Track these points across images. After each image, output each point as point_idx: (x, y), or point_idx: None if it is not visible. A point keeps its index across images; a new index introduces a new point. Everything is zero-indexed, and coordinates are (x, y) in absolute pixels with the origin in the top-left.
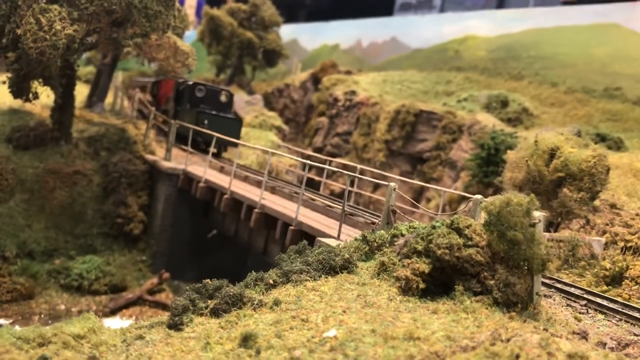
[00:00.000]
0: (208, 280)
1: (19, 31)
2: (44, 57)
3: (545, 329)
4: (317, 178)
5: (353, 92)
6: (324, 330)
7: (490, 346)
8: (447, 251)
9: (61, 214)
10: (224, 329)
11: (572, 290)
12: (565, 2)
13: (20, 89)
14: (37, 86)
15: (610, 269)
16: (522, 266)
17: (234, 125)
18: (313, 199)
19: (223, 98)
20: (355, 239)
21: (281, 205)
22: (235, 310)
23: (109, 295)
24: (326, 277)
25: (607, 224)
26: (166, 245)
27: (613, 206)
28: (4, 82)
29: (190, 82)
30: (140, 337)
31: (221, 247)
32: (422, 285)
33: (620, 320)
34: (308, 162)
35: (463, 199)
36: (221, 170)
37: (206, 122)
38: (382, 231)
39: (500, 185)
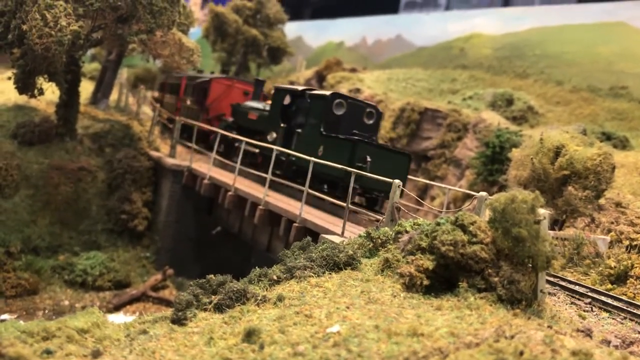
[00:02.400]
0: (212, 275)
1: (24, 27)
2: (50, 53)
3: (550, 326)
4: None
5: (358, 90)
6: (328, 325)
7: (494, 343)
8: (451, 248)
9: (66, 210)
10: (227, 324)
11: (576, 288)
12: None
13: (25, 85)
14: (42, 82)
15: (615, 267)
16: (526, 263)
17: (402, 164)
18: (317, 196)
19: (369, 117)
20: (360, 236)
21: (285, 202)
22: (238, 305)
23: (112, 291)
24: (330, 274)
25: (612, 223)
26: (170, 241)
27: (618, 205)
28: (9, 78)
29: (319, 91)
30: (144, 332)
31: (225, 244)
32: (426, 282)
33: (625, 318)
34: (312, 159)
35: (467, 197)
36: (225, 167)
37: (369, 159)
38: (386, 228)
39: (505, 183)
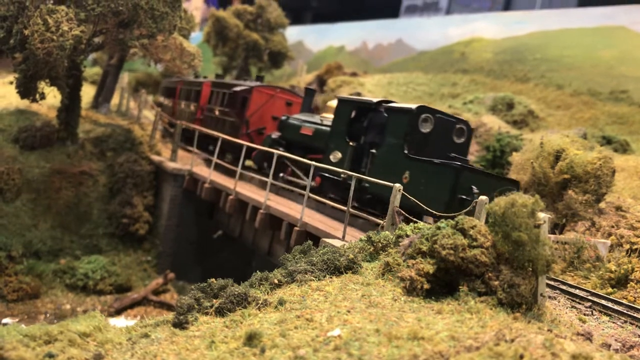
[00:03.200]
0: (213, 279)
1: (26, 32)
2: (51, 58)
3: (550, 330)
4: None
5: (359, 95)
6: (329, 329)
7: (494, 346)
8: (451, 252)
9: (67, 214)
10: (228, 327)
11: (576, 292)
12: None
13: (27, 89)
14: (43, 87)
15: (615, 271)
16: (526, 267)
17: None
18: (318, 200)
19: (459, 135)
20: (360, 240)
21: (286, 206)
22: (240, 309)
23: (114, 295)
24: (331, 277)
25: (612, 227)
26: (171, 245)
27: (618, 208)
28: (11, 83)
29: (400, 104)
30: (146, 336)
31: (226, 248)
32: (426, 286)
33: (625, 322)
34: (313, 163)
35: None
36: (226, 172)
37: (475, 191)
38: (386, 232)
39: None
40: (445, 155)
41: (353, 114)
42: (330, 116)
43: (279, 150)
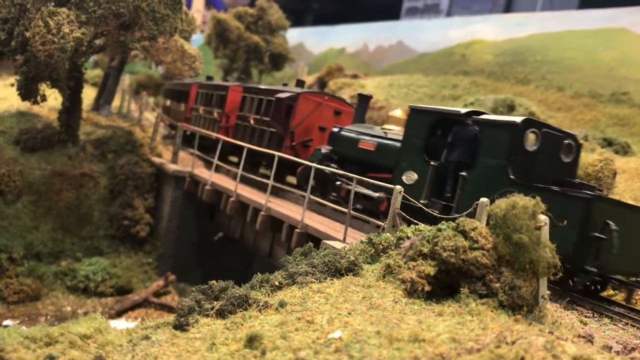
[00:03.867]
0: (214, 281)
1: (27, 34)
2: (52, 60)
3: (551, 332)
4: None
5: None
6: (329, 331)
7: (495, 348)
8: (452, 254)
9: (68, 216)
10: (229, 329)
11: (578, 294)
12: None
13: (28, 91)
14: (45, 89)
15: None
16: (527, 269)
17: None
18: (319, 202)
19: (567, 152)
20: (361, 242)
21: (287, 208)
22: (240, 311)
23: (114, 297)
24: (331, 279)
25: None
26: (172, 247)
27: None
28: (12, 85)
29: (497, 117)
30: (146, 338)
31: (227, 250)
32: (427, 288)
33: (627, 324)
34: (314, 165)
35: None
36: (227, 173)
37: (614, 227)
38: (387, 234)
39: None
40: (553, 178)
41: (432, 126)
42: (394, 128)
43: (330, 167)
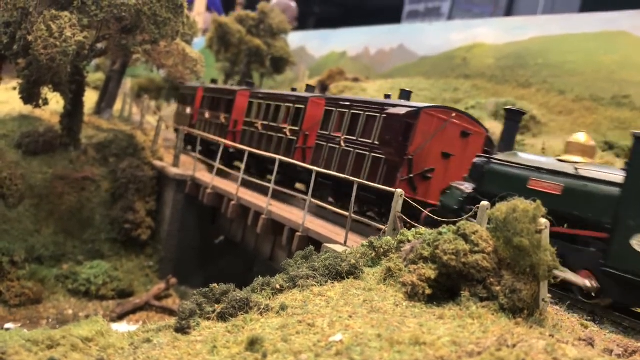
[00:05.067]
0: (215, 284)
1: (29, 38)
2: (54, 64)
3: (552, 335)
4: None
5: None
6: (330, 334)
7: (496, 351)
8: (453, 257)
9: (69, 219)
10: (230, 333)
11: (579, 297)
12: None
13: (30, 95)
14: (47, 92)
15: None
16: (528, 272)
17: None
18: (320, 206)
19: None
20: (362, 245)
21: (288, 211)
22: (242, 314)
23: (116, 300)
24: (332, 283)
25: None
26: (173, 251)
27: None
28: (14, 88)
29: None
30: (148, 341)
31: (228, 253)
32: (428, 291)
33: (628, 327)
34: (316, 169)
35: None
36: (228, 177)
37: None
38: (388, 237)
39: None
40: None
41: None
42: (579, 160)
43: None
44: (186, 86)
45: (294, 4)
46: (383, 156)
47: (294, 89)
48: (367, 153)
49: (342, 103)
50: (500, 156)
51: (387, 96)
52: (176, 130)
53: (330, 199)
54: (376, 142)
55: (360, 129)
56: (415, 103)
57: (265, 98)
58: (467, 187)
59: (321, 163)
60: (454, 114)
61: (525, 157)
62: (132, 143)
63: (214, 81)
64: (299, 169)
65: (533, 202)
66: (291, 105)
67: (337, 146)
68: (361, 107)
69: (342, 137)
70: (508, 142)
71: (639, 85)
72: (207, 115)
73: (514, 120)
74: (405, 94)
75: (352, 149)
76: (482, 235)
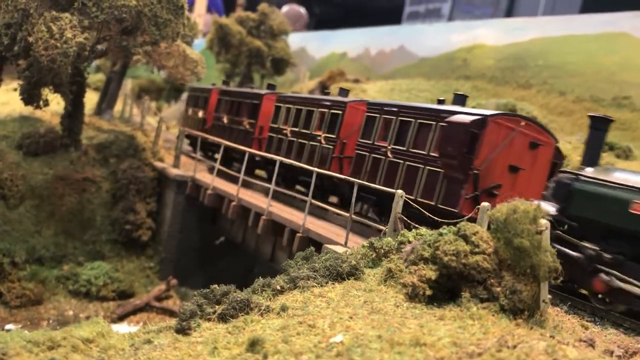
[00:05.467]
0: (216, 285)
1: (30, 39)
2: (55, 65)
3: (552, 336)
4: None
5: None
6: (331, 335)
7: (496, 352)
8: (453, 258)
9: (70, 220)
10: (231, 334)
11: (579, 298)
12: None
13: (31, 96)
14: (47, 93)
15: None
16: (528, 273)
17: None
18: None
19: None
20: (363, 246)
21: (289, 212)
22: (242, 315)
23: (116, 301)
24: (333, 284)
25: None
26: (174, 251)
27: None
28: (15, 89)
29: None
30: (149, 342)
31: (229, 254)
32: (428, 292)
33: (628, 328)
34: (316, 169)
35: None
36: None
37: None
38: (389, 238)
39: None
40: None
41: None
42: None
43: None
44: (196, 87)
45: (304, 12)
46: (441, 170)
47: (326, 92)
48: (421, 166)
49: (387, 109)
50: (590, 172)
51: (441, 101)
52: (187, 137)
53: (374, 216)
54: (432, 154)
55: (411, 139)
56: (478, 110)
57: (296, 102)
58: (551, 208)
59: (363, 175)
60: (522, 123)
61: (624, 175)
62: (133, 144)
63: (225, 83)
64: (335, 180)
65: (533, 203)
66: (326, 110)
67: (383, 157)
68: (412, 113)
69: (389, 147)
70: (593, 155)
71: None
72: (225, 120)
73: (600, 129)
74: (460, 99)
75: (401, 161)
76: (482, 236)
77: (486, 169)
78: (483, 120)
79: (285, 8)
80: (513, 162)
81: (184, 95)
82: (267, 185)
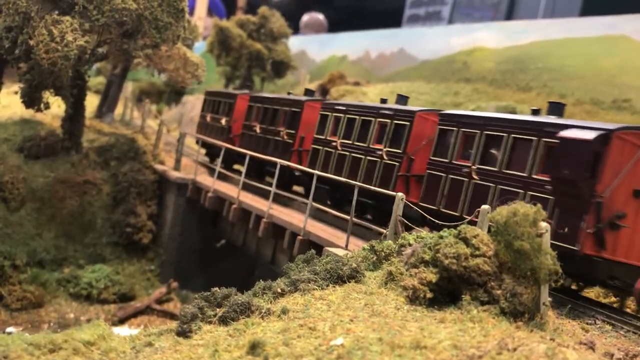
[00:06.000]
0: (216, 288)
1: (31, 42)
2: (56, 68)
3: (552, 339)
4: None
5: None
6: (331, 338)
7: (496, 355)
8: (454, 261)
9: (71, 223)
10: (232, 336)
11: (579, 301)
12: None
13: (32, 99)
14: (48, 96)
15: None
16: (529, 276)
17: None
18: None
19: None
20: (363, 249)
21: (289, 215)
22: (243, 318)
23: (117, 304)
24: (334, 286)
25: None
26: (175, 254)
27: None
28: (16, 93)
29: None
30: (149, 344)
31: (229, 257)
32: (429, 295)
33: (628, 331)
34: (316, 172)
35: None
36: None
37: None
38: (389, 241)
39: None
40: None
41: None
42: None
43: None
44: (217, 91)
45: (324, 19)
46: (550, 197)
47: (383, 100)
48: (521, 191)
49: (467, 121)
50: None
51: (535, 111)
52: (205, 146)
53: None
54: (536, 177)
55: (504, 158)
56: (598, 123)
57: (347, 111)
58: None
59: (439, 200)
60: None
61: None
62: (133, 147)
63: (248, 87)
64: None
65: (533, 206)
66: (388, 121)
67: (466, 178)
68: (504, 127)
69: (473, 167)
70: None
71: None
72: (257, 129)
73: None
74: (557, 108)
75: (492, 184)
76: (482, 239)
77: (610, 196)
78: (606, 136)
79: (305, 17)
80: (638, 186)
81: (184, 99)
82: (305, 200)
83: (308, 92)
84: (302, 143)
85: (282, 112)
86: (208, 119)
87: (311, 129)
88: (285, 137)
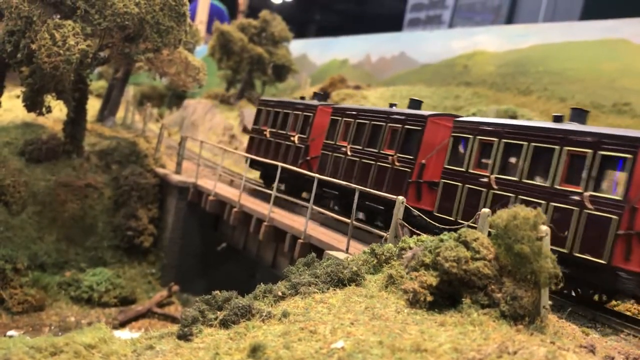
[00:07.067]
0: (217, 291)
1: (33, 46)
2: (58, 72)
3: (552, 342)
4: None
5: None
6: (332, 341)
7: (497, 358)
8: (454, 264)
9: (72, 227)
10: (233, 339)
11: (580, 304)
12: None
13: (33, 102)
14: (50, 100)
15: None
16: (529, 279)
17: None
18: (322, 213)
19: None
20: (364, 252)
21: (290, 218)
22: (244, 321)
23: (118, 307)
24: (334, 290)
25: None
26: (176, 258)
27: None
28: (18, 96)
29: None
30: (150, 347)
31: (230, 260)
32: (429, 298)
33: (629, 334)
34: (317, 175)
35: None
36: (230, 183)
37: None
38: (390, 244)
39: None
40: None
41: None
42: None
43: None
44: (282, 101)
45: None
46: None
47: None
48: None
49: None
50: None
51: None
52: (255, 165)
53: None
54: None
55: (611, 182)
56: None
57: (501, 133)
58: None
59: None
60: None
61: None
62: (135, 150)
63: (320, 96)
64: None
65: (534, 209)
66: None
67: (578, 208)
68: (609, 142)
69: (587, 196)
70: None
71: None
72: (349, 152)
73: None
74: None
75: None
76: (483, 242)
77: None
78: None
79: None
80: None
81: (185, 102)
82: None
83: (413, 102)
84: (421, 172)
85: (391, 130)
86: (267, 134)
87: (437, 153)
88: (398, 164)
